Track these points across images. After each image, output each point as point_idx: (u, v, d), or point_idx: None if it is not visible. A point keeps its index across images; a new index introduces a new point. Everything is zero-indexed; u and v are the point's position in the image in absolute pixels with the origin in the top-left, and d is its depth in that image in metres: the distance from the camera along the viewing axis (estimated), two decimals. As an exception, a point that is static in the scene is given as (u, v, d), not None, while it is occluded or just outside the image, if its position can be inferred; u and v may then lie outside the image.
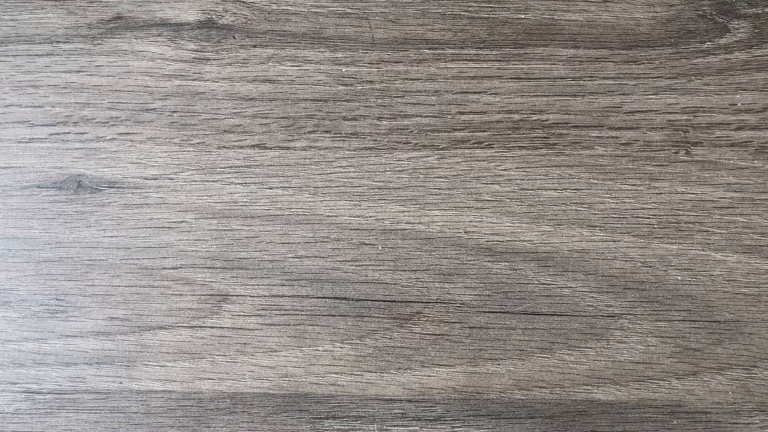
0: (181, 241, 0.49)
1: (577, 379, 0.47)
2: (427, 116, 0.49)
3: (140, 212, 0.49)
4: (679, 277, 0.47)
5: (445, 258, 0.48)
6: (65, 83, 0.50)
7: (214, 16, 0.50)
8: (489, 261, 0.48)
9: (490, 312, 0.47)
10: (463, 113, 0.49)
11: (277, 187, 0.49)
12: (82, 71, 0.50)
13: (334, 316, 0.48)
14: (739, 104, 0.48)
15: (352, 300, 0.48)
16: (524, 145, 0.48)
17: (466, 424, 0.47)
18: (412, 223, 0.48)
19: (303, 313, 0.48)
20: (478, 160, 0.48)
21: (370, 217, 0.48)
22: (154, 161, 0.49)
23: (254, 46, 0.50)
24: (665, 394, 0.46)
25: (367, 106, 0.49)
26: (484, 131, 0.49)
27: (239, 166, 0.49)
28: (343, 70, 0.49)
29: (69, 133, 0.50)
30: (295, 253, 0.48)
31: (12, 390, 0.48)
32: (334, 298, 0.48)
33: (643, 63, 0.49)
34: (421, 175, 0.48)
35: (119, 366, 0.48)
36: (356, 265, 0.48)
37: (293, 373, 0.48)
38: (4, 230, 0.49)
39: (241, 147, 0.49)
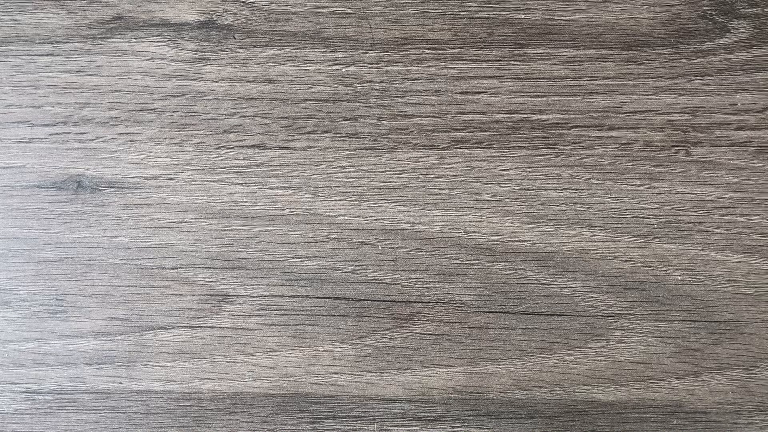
0: (181, 241, 0.49)
1: (577, 379, 0.47)
2: (427, 116, 0.49)
3: (140, 212, 0.49)
4: (679, 277, 0.47)
5: (445, 258, 0.48)
6: (65, 83, 0.50)
7: (214, 16, 0.50)
8: (489, 261, 0.48)
9: (490, 312, 0.47)
10: (463, 113, 0.49)
11: (277, 187, 0.49)
12: (82, 71, 0.50)
13: (334, 316, 0.48)
14: (739, 104, 0.48)
15: (352, 300, 0.48)
16: (524, 145, 0.48)
17: (466, 424, 0.47)
18: (412, 223, 0.48)
19: (303, 313, 0.48)
20: (478, 160, 0.48)
21: (370, 217, 0.48)
22: (154, 161, 0.49)
23: (254, 46, 0.50)
24: (665, 394, 0.46)
25: (367, 106, 0.49)
26: (484, 131, 0.49)
27: (239, 166, 0.49)
28: (343, 70, 0.49)
29: (69, 133, 0.50)
30: (295, 253, 0.48)
31: (12, 390, 0.48)
32: (334, 298, 0.48)
33: (643, 63, 0.49)
34: (421, 175, 0.48)
35: (119, 366, 0.48)
36: (356, 265, 0.48)
37: (293, 373, 0.48)
38: (4, 230, 0.49)
39: (241, 147, 0.49)
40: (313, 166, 0.49)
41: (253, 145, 0.49)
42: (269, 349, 0.48)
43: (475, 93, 0.49)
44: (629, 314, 0.47)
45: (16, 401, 0.48)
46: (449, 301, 0.48)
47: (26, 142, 0.50)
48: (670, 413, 0.46)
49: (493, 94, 0.49)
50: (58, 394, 0.48)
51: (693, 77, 0.48)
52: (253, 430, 0.47)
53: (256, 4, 0.50)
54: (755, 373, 0.46)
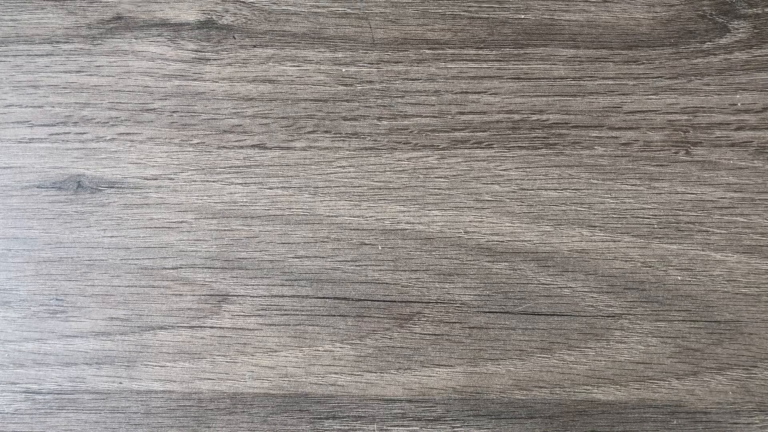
0: (181, 241, 0.49)
1: (577, 379, 0.47)
2: (427, 116, 0.49)
3: (140, 212, 0.49)
4: (679, 277, 0.47)
5: (445, 258, 0.48)
6: (65, 83, 0.50)
7: (214, 16, 0.50)
8: (489, 261, 0.48)
9: (490, 312, 0.47)
10: (463, 113, 0.49)
11: (277, 187, 0.49)
12: (82, 71, 0.50)
13: (334, 316, 0.48)
14: (739, 104, 0.48)
15: (352, 300, 0.48)
16: (524, 145, 0.48)
17: (466, 424, 0.47)
18: (412, 223, 0.48)
19: (303, 313, 0.48)
20: (478, 160, 0.48)
21: (370, 217, 0.48)
22: (154, 161, 0.49)
23: (254, 46, 0.50)
24: (665, 394, 0.46)
25: (367, 106, 0.49)
26: (484, 131, 0.49)
27: (239, 166, 0.49)
28: (343, 70, 0.49)
29: (69, 133, 0.50)
30: (295, 253, 0.48)
31: (12, 390, 0.48)
32: (334, 298, 0.48)
33: (643, 63, 0.49)
34: (421, 175, 0.48)
35: (119, 366, 0.48)
36: (356, 265, 0.48)
37: (293, 373, 0.48)
38: (4, 230, 0.49)
39: (241, 147, 0.49)
40: (313, 166, 0.49)
41: (253, 145, 0.49)
42: (269, 349, 0.48)
43: (475, 93, 0.49)
44: (629, 314, 0.47)
45: (16, 401, 0.48)
46: (449, 301, 0.48)
47: (26, 142, 0.50)
48: (670, 413, 0.46)
49: (493, 94, 0.49)
50: (58, 394, 0.48)
51: (693, 77, 0.48)
52: (253, 430, 0.47)
53: (256, 4, 0.50)
54: (755, 373, 0.46)
